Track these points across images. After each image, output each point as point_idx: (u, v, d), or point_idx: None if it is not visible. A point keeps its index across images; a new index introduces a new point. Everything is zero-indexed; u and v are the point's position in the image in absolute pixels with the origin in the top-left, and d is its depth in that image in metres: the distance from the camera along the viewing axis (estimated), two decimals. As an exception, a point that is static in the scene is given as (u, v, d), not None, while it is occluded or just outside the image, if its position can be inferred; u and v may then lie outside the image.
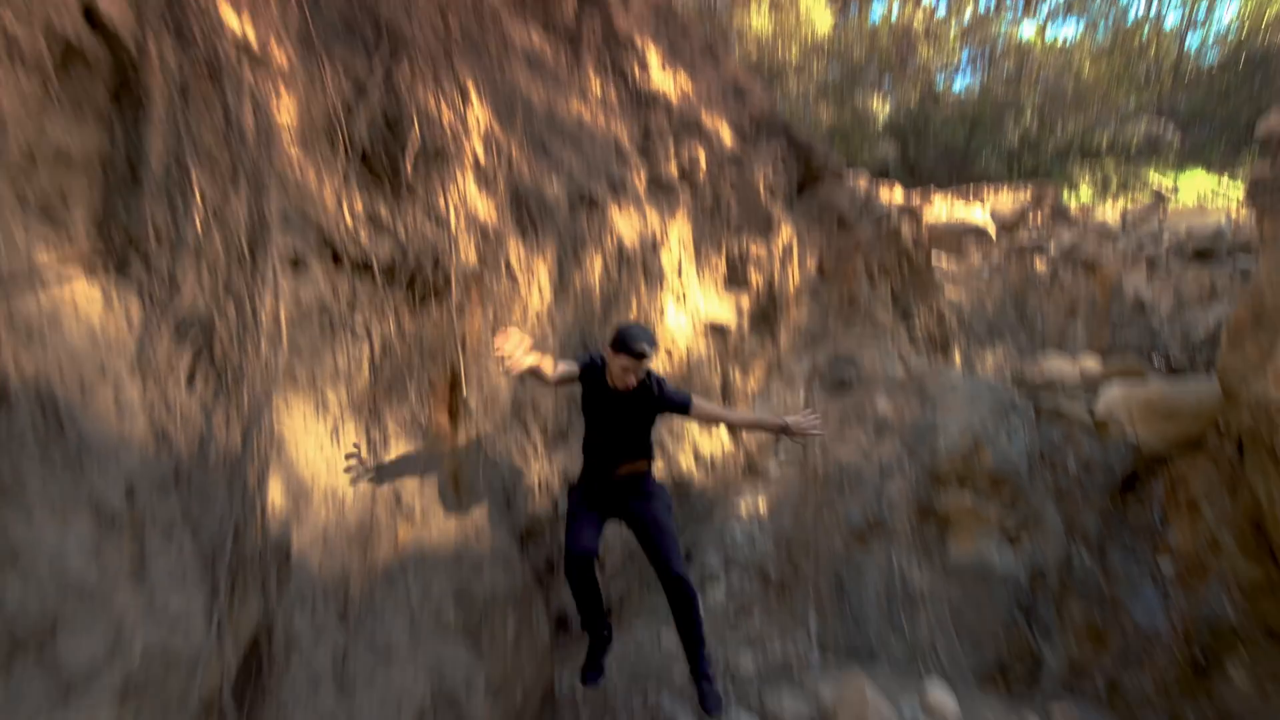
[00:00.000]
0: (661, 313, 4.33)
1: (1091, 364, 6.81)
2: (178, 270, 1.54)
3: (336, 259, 2.10)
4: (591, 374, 2.53)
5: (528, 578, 2.83)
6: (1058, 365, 6.72)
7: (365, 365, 2.19)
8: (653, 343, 2.40)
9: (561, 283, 3.35)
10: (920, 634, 3.86)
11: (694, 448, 4.56)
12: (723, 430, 4.97)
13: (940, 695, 2.94)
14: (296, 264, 1.97)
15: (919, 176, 14.54)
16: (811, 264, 6.28)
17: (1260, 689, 3.69)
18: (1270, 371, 3.57)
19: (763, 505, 4.72)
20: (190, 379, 1.56)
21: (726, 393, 5.12)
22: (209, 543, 1.47)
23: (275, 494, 1.78)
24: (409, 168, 2.27)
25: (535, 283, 3.09)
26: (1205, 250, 8.76)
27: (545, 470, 3.26)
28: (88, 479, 1.25)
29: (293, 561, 1.79)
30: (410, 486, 2.37)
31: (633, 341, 2.37)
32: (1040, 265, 9.33)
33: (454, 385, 2.64)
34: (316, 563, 1.89)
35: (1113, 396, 5.69)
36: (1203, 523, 4.53)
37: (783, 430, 2.67)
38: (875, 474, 4.67)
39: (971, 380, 5.10)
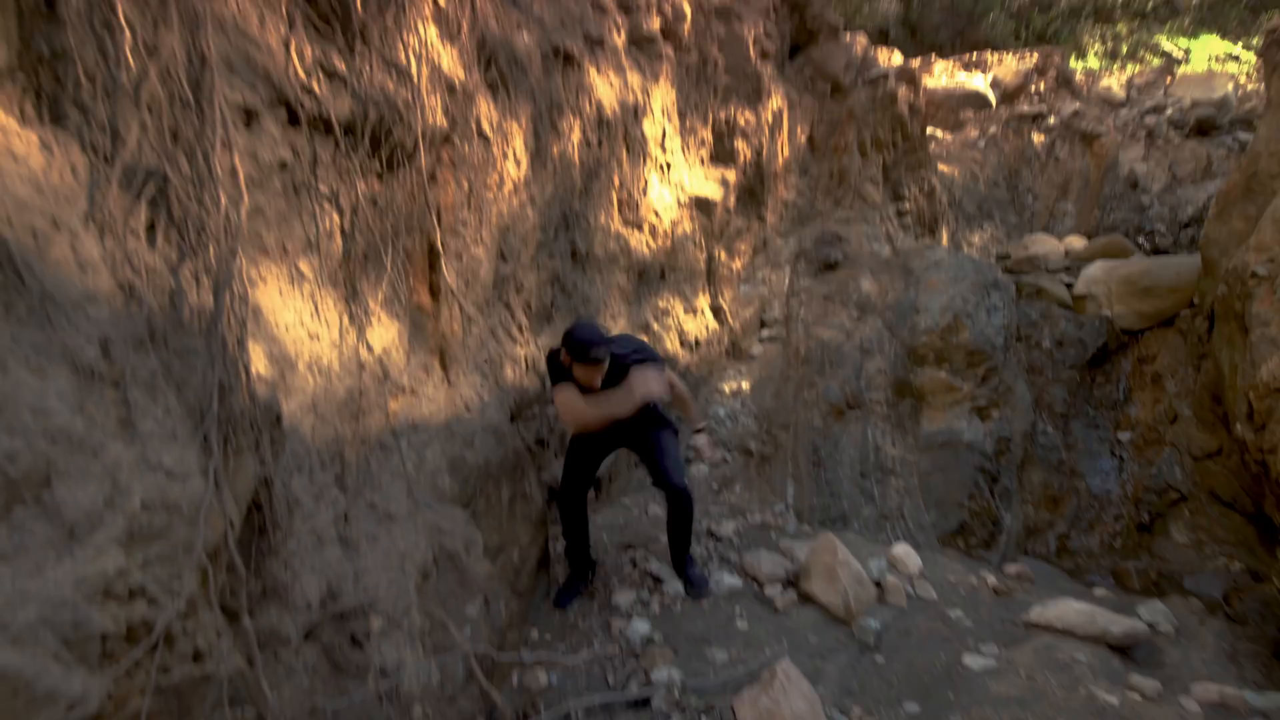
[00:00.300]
0: (645, 187, 4.30)
1: (1076, 243, 6.99)
2: (118, 117, 1.50)
3: (293, 117, 2.02)
4: (565, 373, 2.63)
5: (520, 450, 3.00)
6: (1043, 244, 6.88)
7: (337, 236, 2.18)
8: (604, 340, 2.49)
9: (539, 151, 3.28)
10: (890, 502, 4.23)
11: (679, 329, 4.68)
12: (707, 312, 5.08)
13: (904, 551, 3.28)
14: (250, 119, 1.90)
15: (921, 40, 13.92)
16: (802, 135, 6.16)
17: (1198, 544, 4.20)
18: (1253, 241, 3.73)
19: (746, 384, 4.94)
20: (150, 234, 1.56)
21: (711, 274, 5.18)
22: (195, 402, 1.52)
23: (258, 361, 1.84)
24: (359, 7, 2.14)
25: (510, 150, 3.02)
26: (1207, 122, 8.74)
27: (531, 350, 3.35)
28: (58, 333, 1.28)
29: (284, 427, 1.84)
30: (396, 361, 2.44)
31: (588, 348, 2.49)
32: (1038, 138, 9.25)
33: (433, 262, 2.65)
34: (309, 429, 1.98)
35: (1092, 273, 5.92)
36: (1164, 395, 4.90)
37: (695, 428, 3.17)
38: (856, 352, 4.89)
39: (957, 258, 5.24)
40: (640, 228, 4.32)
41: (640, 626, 2.74)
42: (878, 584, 3.06)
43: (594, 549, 3.07)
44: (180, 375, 1.52)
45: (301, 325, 2.01)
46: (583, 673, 2.52)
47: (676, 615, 2.84)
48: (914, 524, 4.14)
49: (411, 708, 1.97)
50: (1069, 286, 6.03)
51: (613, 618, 2.82)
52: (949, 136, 9.53)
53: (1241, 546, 4.04)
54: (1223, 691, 2.33)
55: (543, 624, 2.81)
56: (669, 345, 4.61)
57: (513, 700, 2.37)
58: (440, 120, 2.51)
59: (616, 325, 4.15)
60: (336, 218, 2.16)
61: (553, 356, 2.68)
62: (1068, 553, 4.43)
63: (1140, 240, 7.77)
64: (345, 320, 2.21)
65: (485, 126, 2.81)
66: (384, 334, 2.40)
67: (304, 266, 2.07)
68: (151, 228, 1.57)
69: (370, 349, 2.31)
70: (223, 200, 1.69)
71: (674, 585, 3.01)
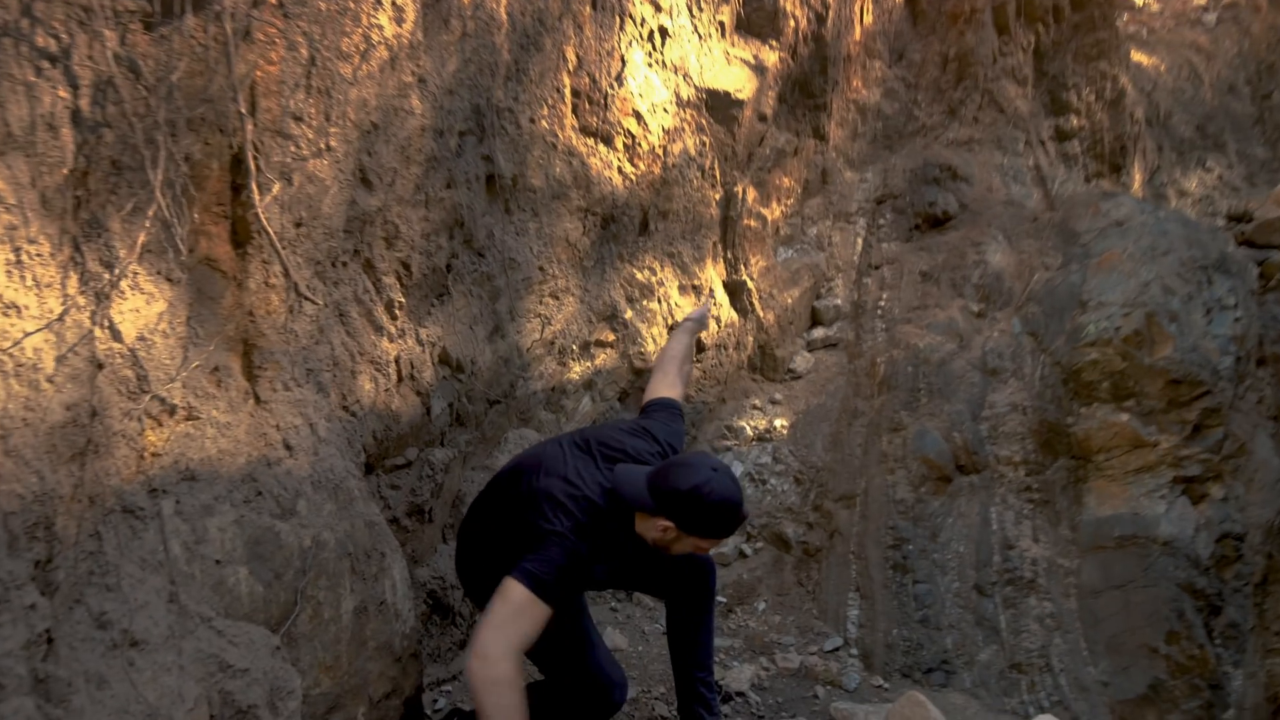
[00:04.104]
0: (620, 70, 4.30)
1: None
2: None
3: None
4: (580, 576, 2.75)
5: (377, 524, 2.96)
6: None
7: (65, 128, 2.15)
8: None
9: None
10: (1028, 640, 4.27)
11: (669, 318, 4.68)
12: (720, 293, 5.10)
13: (1052, 729, 3.30)
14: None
15: None
16: (896, -9, 6.24)
17: None
18: None
19: (782, 421, 4.95)
20: None
21: (729, 227, 5.20)
22: None
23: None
24: None
25: (385, -7, 3.01)
26: None
27: (408, 346, 3.32)
28: None
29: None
30: (162, 359, 2.40)
31: (739, 519, 2.78)
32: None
33: (237, 184, 2.63)
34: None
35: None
36: None
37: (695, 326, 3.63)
38: (974, 373, 4.93)
39: (1156, 217, 5.32)
40: (609, 141, 4.31)
41: None
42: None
43: None
44: None
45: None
46: None
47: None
48: (1070, 682, 4.17)
49: None
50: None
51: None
52: (1154, 3, 9.72)
53: None
54: None
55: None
56: (649, 348, 4.60)
57: None
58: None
59: (562, 307, 4.15)
60: (65, 95, 2.13)
61: (590, 523, 2.72)
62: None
63: None
64: (71, 280, 2.18)
65: (342, -55, 2.81)
66: (142, 309, 2.37)
67: (-1, 183, 2.03)
68: None
69: (116, 334, 2.28)
70: None
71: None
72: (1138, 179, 7.44)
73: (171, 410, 2.43)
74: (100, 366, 2.24)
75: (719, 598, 4.16)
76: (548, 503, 2.71)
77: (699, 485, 2.65)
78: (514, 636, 2.55)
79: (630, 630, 4.04)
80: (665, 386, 3.33)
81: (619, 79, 4.30)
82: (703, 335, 4.94)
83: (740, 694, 3.62)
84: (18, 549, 1.96)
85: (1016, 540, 4.50)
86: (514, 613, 2.57)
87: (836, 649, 4.07)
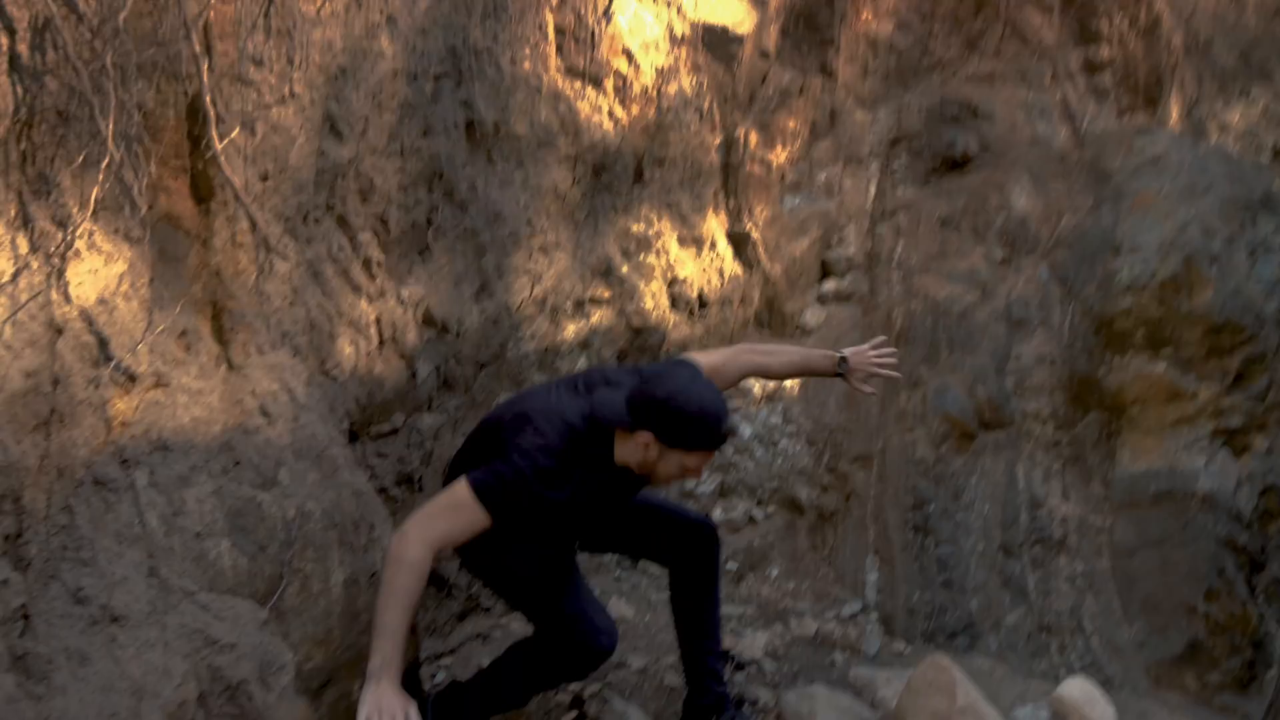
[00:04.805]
0: (609, 5, 4.28)
1: None
2: None
3: None
4: (532, 498, 2.74)
5: (364, 493, 2.99)
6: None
7: (2, 78, 2.16)
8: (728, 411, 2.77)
9: (407, -73, 3.28)
10: (1057, 601, 4.31)
11: (667, 276, 4.70)
12: (722, 245, 5.10)
13: (1082, 692, 3.29)
14: None
15: None
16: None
17: None
18: None
19: (792, 382, 4.95)
20: None
21: (731, 174, 5.19)
22: None
23: None
24: None
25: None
26: None
27: (389, 306, 3.35)
28: None
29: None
30: (125, 323, 2.40)
31: (722, 428, 2.72)
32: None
33: (196, 135, 2.64)
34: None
35: None
36: None
37: (836, 370, 3.21)
38: (998, 325, 4.95)
39: (1195, 154, 5.31)
40: (598, 82, 4.30)
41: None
42: (1031, 753, 3.12)
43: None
44: None
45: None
46: None
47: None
48: (1102, 643, 4.21)
49: None
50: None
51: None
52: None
53: None
54: None
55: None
56: (648, 305, 4.62)
57: None
58: None
59: (552, 263, 4.16)
60: (3, 40, 2.14)
61: (562, 447, 2.74)
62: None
63: None
64: (21, 240, 2.19)
65: None
66: (101, 270, 2.37)
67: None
68: None
69: (73, 298, 2.30)
70: None
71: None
72: (1175, 113, 7.38)
73: (138, 377, 2.43)
74: (59, 331, 2.24)
75: (729, 565, 4.19)
76: (523, 422, 2.78)
77: (676, 391, 2.67)
78: (438, 528, 2.67)
79: (636, 599, 4.08)
80: (718, 354, 3.30)
81: (606, 14, 4.28)
82: (705, 290, 4.94)
83: (754, 662, 3.64)
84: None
85: (1045, 498, 4.52)
86: (448, 507, 2.70)
87: (855, 614, 4.10)
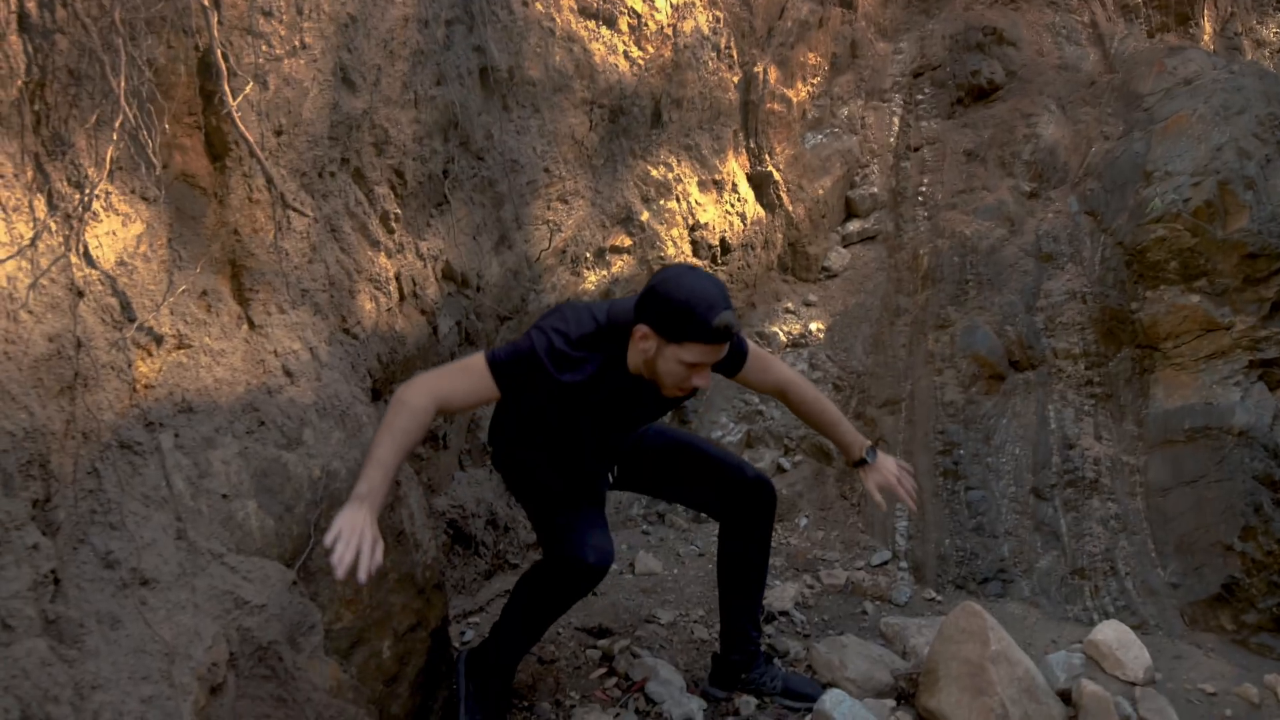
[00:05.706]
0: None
1: None
2: None
3: None
4: (543, 377, 2.73)
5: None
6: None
7: (13, 38, 2.14)
8: (730, 300, 2.70)
9: None
10: (1091, 544, 4.30)
11: (688, 220, 4.68)
12: (744, 187, 5.06)
13: (1117, 635, 3.29)
14: None
15: None
16: None
17: None
18: None
19: (818, 325, 4.98)
20: None
21: (750, 114, 5.14)
22: None
23: None
24: None
25: None
26: None
27: (409, 261, 3.35)
28: None
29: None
30: (145, 284, 2.42)
31: (714, 319, 2.60)
32: None
33: (208, 91, 2.62)
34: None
35: None
36: None
37: (861, 457, 3.25)
38: (1026, 260, 4.91)
39: (1229, 72, 5.20)
40: (612, 22, 4.28)
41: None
42: (1066, 698, 3.12)
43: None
44: None
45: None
46: None
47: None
48: (1136, 585, 4.21)
49: None
50: None
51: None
52: None
53: None
54: None
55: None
56: (670, 252, 4.60)
57: None
58: None
59: (572, 211, 4.14)
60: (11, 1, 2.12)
61: (578, 336, 2.76)
62: None
63: None
64: (39, 205, 2.19)
65: None
66: (119, 231, 2.39)
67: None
68: None
69: (91, 261, 2.31)
70: None
71: (682, 707, 3.08)
72: (1208, 30, 7.24)
73: (160, 339, 2.46)
74: (80, 294, 2.27)
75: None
76: (550, 312, 2.86)
77: (668, 278, 2.67)
78: (444, 385, 2.73)
79: (664, 553, 4.11)
80: (777, 360, 3.34)
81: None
82: (727, 235, 4.92)
83: (784, 613, 3.68)
84: (13, 488, 2.01)
85: (1077, 439, 4.50)
86: (459, 369, 2.79)
87: (885, 563, 4.13)
